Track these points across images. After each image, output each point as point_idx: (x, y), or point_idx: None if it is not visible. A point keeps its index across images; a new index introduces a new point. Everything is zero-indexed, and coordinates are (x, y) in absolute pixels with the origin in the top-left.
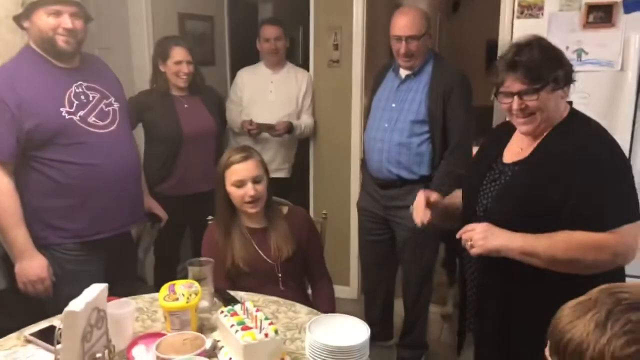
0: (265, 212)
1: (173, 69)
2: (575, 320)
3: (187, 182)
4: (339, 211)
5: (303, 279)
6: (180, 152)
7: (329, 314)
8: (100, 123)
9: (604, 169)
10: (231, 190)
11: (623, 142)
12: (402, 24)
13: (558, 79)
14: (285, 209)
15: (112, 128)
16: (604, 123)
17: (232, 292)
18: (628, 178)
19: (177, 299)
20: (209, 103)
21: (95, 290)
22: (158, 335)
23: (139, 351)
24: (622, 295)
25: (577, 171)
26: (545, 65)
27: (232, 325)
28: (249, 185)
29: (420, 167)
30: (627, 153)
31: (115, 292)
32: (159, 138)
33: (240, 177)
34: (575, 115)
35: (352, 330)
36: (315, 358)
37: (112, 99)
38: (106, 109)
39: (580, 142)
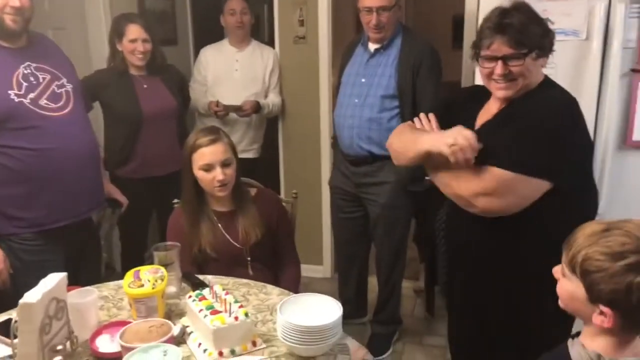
0: (233, 195)
1: (129, 48)
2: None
3: (149, 165)
4: (310, 190)
5: (272, 263)
6: (140, 134)
7: (301, 294)
8: (53, 105)
9: (545, 127)
10: (199, 174)
11: (589, 110)
12: None
13: (544, 46)
14: (253, 191)
15: (66, 110)
16: (571, 92)
17: (200, 277)
18: (565, 142)
19: (142, 286)
20: (169, 83)
21: (54, 280)
22: (123, 323)
23: (103, 341)
24: None
25: (527, 130)
26: (534, 30)
27: (200, 310)
28: (218, 170)
29: None
30: (592, 121)
31: (80, 281)
32: (117, 119)
33: (208, 161)
34: (548, 84)
35: (325, 310)
36: (287, 339)
37: (64, 80)
38: (58, 91)
39: (543, 109)
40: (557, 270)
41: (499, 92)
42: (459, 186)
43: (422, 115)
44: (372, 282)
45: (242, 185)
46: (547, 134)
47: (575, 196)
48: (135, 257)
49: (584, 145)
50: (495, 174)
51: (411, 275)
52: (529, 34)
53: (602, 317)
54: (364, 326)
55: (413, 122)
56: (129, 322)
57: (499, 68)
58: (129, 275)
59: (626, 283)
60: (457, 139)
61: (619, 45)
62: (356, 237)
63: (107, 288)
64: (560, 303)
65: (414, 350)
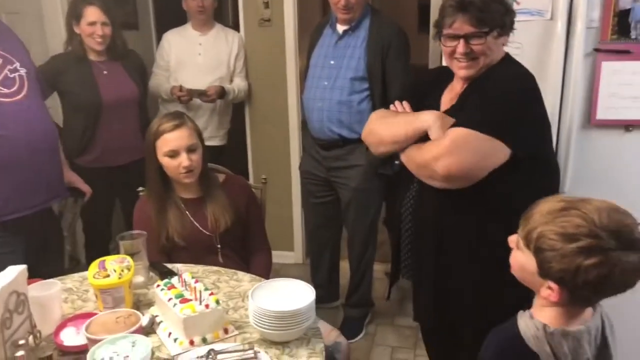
0: (200, 182)
1: (87, 31)
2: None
3: (111, 153)
4: (279, 176)
5: (243, 250)
6: (100, 121)
7: (273, 279)
8: (6, 91)
9: (502, 97)
10: (164, 160)
11: (555, 89)
12: None
13: (505, 25)
14: (222, 177)
15: (20, 96)
16: (536, 71)
17: (168, 265)
18: (521, 114)
19: (108, 276)
20: (130, 68)
21: (12, 273)
22: (89, 315)
23: (68, 334)
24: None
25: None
26: (495, 9)
27: (169, 299)
28: (183, 156)
29: (361, 125)
30: (558, 100)
31: (42, 273)
32: (76, 106)
33: (173, 147)
34: (509, 61)
35: (297, 294)
36: (260, 325)
37: (17, 64)
38: (11, 75)
39: (502, 80)
40: (512, 240)
41: (461, 72)
42: (421, 155)
43: (397, 102)
44: (344, 266)
45: (209, 171)
46: (503, 98)
47: (536, 169)
48: (100, 248)
49: (542, 117)
50: (450, 134)
51: (382, 258)
52: (491, 13)
53: (550, 291)
54: (336, 310)
55: (388, 108)
56: (95, 314)
57: (461, 47)
58: (94, 265)
59: (575, 264)
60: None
61: (583, 25)
62: (327, 221)
63: (71, 280)
64: (512, 271)
65: (386, 331)
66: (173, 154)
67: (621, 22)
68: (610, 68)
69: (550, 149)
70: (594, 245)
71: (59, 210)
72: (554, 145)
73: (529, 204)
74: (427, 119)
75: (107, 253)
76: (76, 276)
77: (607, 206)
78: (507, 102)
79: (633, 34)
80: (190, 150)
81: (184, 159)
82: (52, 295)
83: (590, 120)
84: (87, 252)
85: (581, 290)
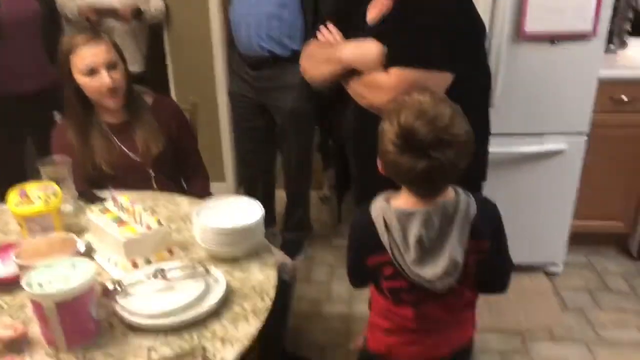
0: (126, 104)
1: None
2: None
3: (12, 80)
4: (206, 102)
5: (179, 177)
6: None
7: (218, 197)
8: None
9: (436, 15)
10: (82, 81)
11: (485, 2)
12: None
13: None
14: (150, 100)
15: None
16: None
17: (98, 192)
18: (456, 29)
19: (32, 203)
20: None
21: None
22: (14, 245)
23: None
24: None
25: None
26: None
27: (106, 223)
28: (103, 73)
29: (292, 40)
30: (489, 13)
31: None
32: None
33: (90, 63)
34: None
35: (244, 211)
36: (208, 243)
37: None
38: None
39: (435, 3)
40: None
41: None
42: (373, 97)
43: (322, 28)
44: (279, 193)
45: (135, 93)
46: (442, 27)
47: (474, 83)
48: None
49: (478, 32)
50: (400, 76)
51: (315, 184)
52: None
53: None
54: (274, 236)
55: (317, 38)
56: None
57: None
58: (14, 194)
59: (383, 147)
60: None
61: None
62: (261, 147)
63: None
64: None
65: (324, 252)
66: (91, 72)
67: None
68: None
69: (486, 59)
70: (392, 141)
71: None
72: None
73: (471, 114)
74: (347, 54)
75: None
76: None
77: (417, 106)
78: (448, 31)
79: None
80: (110, 67)
81: (104, 77)
82: None
83: (519, 33)
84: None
85: (389, 167)
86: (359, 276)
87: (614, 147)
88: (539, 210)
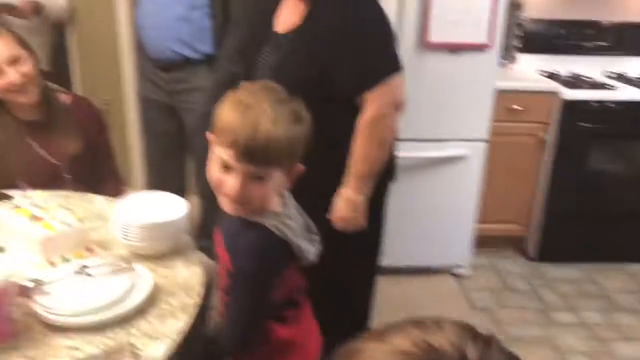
0: (41, 101)
1: None
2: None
3: None
4: (113, 105)
5: (93, 181)
6: None
7: (139, 193)
8: None
9: (366, 30)
10: None
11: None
12: None
13: None
14: (68, 99)
15: None
16: None
17: (5, 191)
18: (388, 34)
19: None
20: None
21: None
22: None
23: None
24: None
25: (343, 34)
26: None
27: (19, 221)
28: (8, 70)
29: (203, 44)
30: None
31: None
32: None
33: None
34: None
35: (167, 206)
36: (130, 239)
37: None
38: None
39: (344, 4)
40: None
41: None
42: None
43: None
44: (192, 200)
45: (51, 90)
46: (377, 33)
47: None
48: None
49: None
50: (379, 97)
51: None
52: None
53: None
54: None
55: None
56: None
57: None
58: None
59: None
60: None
61: None
62: (172, 152)
63: None
64: None
65: None
66: None
67: None
68: None
69: None
70: None
71: None
72: None
73: None
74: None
75: None
76: None
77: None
78: (383, 35)
79: None
80: (14, 61)
81: (10, 74)
82: None
83: (422, 43)
84: None
85: None
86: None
87: (510, 154)
88: (444, 214)
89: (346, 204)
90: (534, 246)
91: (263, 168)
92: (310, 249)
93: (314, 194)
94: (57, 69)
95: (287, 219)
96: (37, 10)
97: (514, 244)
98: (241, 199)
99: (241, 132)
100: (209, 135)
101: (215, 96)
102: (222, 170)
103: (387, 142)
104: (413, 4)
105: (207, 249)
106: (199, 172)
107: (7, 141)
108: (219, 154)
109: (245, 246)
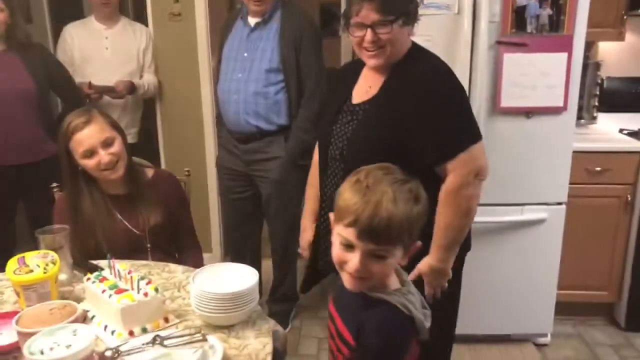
0: (127, 176)
1: None
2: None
3: (9, 152)
4: (195, 174)
5: (172, 250)
6: None
7: (213, 264)
8: None
9: (445, 99)
10: (83, 162)
11: (463, 78)
12: None
13: (409, 14)
14: (150, 172)
15: None
16: (446, 62)
17: (94, 262)
18: (466, 103)
19: (31, 271)
20: (31, 62)
21: None
22: (13, 314)
23: None
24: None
25: (422, 104)
26: None
27: (103, 291)
28: (101, 153)
29: (278, 116)
30: (467, 89)
31: None
32: None
33: (87, 147)
34: (417, 50)
35: (239, 277)
36: (203, 309)
37: None
38: None
39: (422, 75)
40: None
41: (371, 61)
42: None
43: None
44: (265, 263)
45: (135, 165)
46: (456, 103)
47: None
48: (3, 254)
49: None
50: (464, 162)
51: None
52: (396, 1)
53: None
54: (260, 308)
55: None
56: (18, 312)
57: (368, 35)
58: (12, 262)
59: None
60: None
61: (486, 19)
62: (247, 218)
63: None
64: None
65: (311, 324)
66: (90, 154)
67: (518, 17)
68: (511, 59)
69: None
70: None
71: None
72: None
73: None
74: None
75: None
76: None
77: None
78: (462, 106)
79: (529, 28)
80: (106, 144)
81: (102, 157)
82: None
83: (495, 107)
84: None
85: None
86: None
87: (592, 216)
88: (524, 279)
89: (432, 273)
90: (624, 314)
91: (384, 246)
92: (426, 324)
93: None
94: (144, 141)
95: (409, 294)
96: (132, 90)
97: (602, 312)
98: (362, 276)
99: (362, 211)
100: (331, 215)
101: (288, 165)
102: (344, 249)
103: (470, 211)
104: (483, 70)
105: (279, 314)
106: (272, 237)
107: (96, 214)
108: (341, 232)
109: (373, 324)
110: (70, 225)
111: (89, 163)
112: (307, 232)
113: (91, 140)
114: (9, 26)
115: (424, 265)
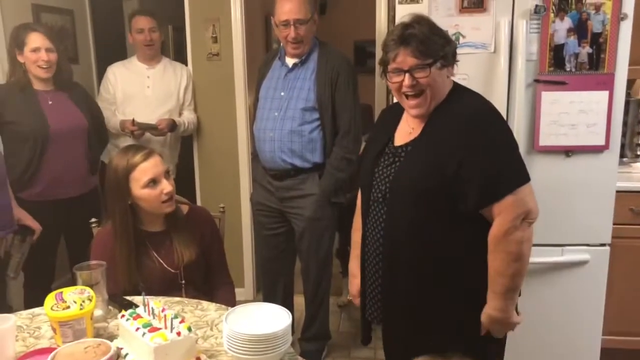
0: (167, 213)
1: (31, 58)
2: None
3: (56, 186)
4: (229, 210)
5: (206, 286)
6: (46, 153)
7: (246, 304)
8: None
9: (491, 139)
10: (143, 193)
11: None
12: (288, 8)
13: (447, 56)
14: (185, 209)
15: None
16: None
17: (128, 298)
18: (513, 143)
19: (68, 307)
20: (77, 99)
21: None
22: (48, 350)
23: None
24: None
25: (467, 145)
26: (436, 41)
27: (137, 329)
28: (164, 182)
29: (313, 154)
30: None
31: None
32: (21, 137)
33: (152, 175)
34: (459, 90)
35: (272, 318)
36: (235, 350)
37: None
38: None
39: (466, 115)
40: None
41: (413, 111)
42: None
43: None
44: (297, 300)
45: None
46: (503, 144)
47: None
48: (41, 288)
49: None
50: (512, 206)
51: (334, 290)
52: (432, 44)
53: None
54: (292, 346)
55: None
56: (54, 349)
57: (406, 80)
58: (50, 298)
59: None
60: None
61: (523, 57)
62: (281, 253)
63: (19, 317)
64: None
65: None
66: (153, 183)
67: (557, 55)
68: (549, 97)
69: None
70: None
71: (5, 250)
72: None
73: None
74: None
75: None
76: (24, 313)
77: None
78: (509, 146)
79: (567, 67)
80: (167, 175)
81: (165, 185)
82: (7, 331)
83: (534, 146)
84: (26, 294)
85: None
86: None
87: (637, 258)
88: (566, 323)
89: (493, 323)
90: None
91: None
92: None
93: (445, 316)
94: (179, 177)
95: None
96: (173, 127)
97: None
98: None
99: None
100: None
101: (322, 202)
102: None
103: (523, 256)
104: (521, 109)
105: (311, 354)
106: (305, 273)
107: (133, 252)
108: None
109: None
110: (108, 261)
111: (152, 192)
112: (356, 279)
113: (156, 169)
114: (58, 66)
115: (484, 316)
